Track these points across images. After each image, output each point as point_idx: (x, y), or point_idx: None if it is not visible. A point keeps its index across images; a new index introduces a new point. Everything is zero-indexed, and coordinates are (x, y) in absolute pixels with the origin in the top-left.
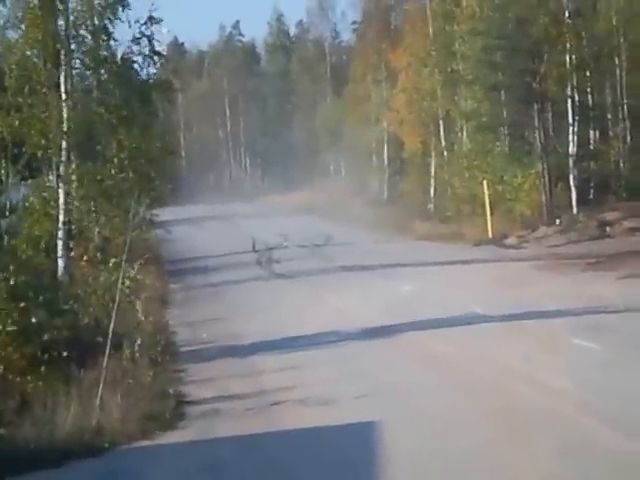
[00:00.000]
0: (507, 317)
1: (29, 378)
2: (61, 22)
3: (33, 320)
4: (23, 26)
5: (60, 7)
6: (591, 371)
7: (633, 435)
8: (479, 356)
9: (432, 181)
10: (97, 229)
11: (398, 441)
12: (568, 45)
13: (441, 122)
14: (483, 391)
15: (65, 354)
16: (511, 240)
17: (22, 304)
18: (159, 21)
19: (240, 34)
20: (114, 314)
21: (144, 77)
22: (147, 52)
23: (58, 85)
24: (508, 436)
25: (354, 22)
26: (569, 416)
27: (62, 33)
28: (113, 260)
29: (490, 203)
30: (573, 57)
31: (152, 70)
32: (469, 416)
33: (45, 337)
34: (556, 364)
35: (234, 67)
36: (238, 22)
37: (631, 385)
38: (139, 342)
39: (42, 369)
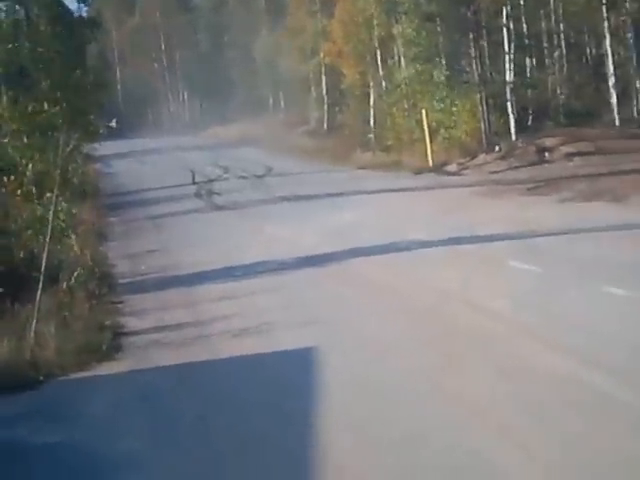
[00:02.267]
0: (447, 242)
1: None
2: None
3: None
4: None
5: None
6: (529, 293)
7: (570, 356)
8: (419, 281)
9: (372, 111)
10: (30, 164)
11: (337, 366)
12: None
13: (378, 52)
14: (423, 316)
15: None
16: (451, 167)
17: None
18: None
19: None
20: (46, 247)
21: (73, 13)
22: None
23: None
24: (448, 359)
25: None
26: (508, 339)
27: None
28: (48, 194)
29: (429, 131)
30: None
31: (82, 7)
32: (408, 341)
33: None
34: (495, 287)
35: (166, 1)
36: None
37: (568, 306)
38: (75, 275)
39: None
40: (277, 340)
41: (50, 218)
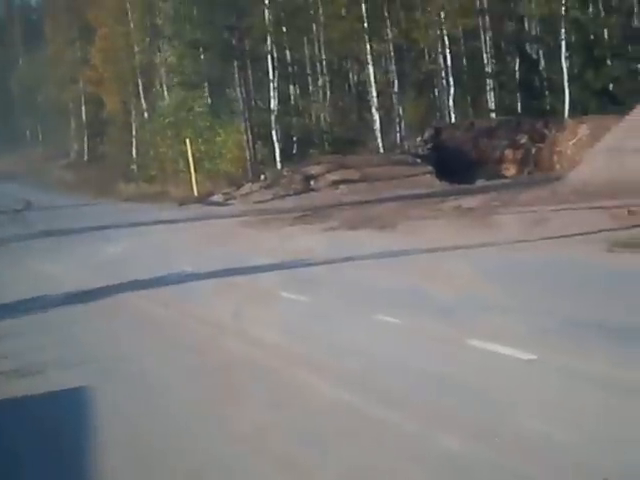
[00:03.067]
0: (216, 274)
1: None
2: None
3: None
4: None
5: None
6: (302, 324)
7: (346, 384)
8: (191, 315)
9: (134, 141)
10: None
11: (110, 405)
12: (267, 1)
13: (140, 81)
14: (196, 350)
15: None
16: (217, 198)
17: None
18: None
19: None
20: None
21: None
22: None
23: None
24: (224, 393)
25: None
26: (282, 369)
27: None
28: None
29: (194, 161)
30: (270, 14)
31: None
32: (183, 377)
33: None
34: (267, 319)
35: None
36: None
37: (341, 335)
38: None
39: None
40: (45, 381)
41: None
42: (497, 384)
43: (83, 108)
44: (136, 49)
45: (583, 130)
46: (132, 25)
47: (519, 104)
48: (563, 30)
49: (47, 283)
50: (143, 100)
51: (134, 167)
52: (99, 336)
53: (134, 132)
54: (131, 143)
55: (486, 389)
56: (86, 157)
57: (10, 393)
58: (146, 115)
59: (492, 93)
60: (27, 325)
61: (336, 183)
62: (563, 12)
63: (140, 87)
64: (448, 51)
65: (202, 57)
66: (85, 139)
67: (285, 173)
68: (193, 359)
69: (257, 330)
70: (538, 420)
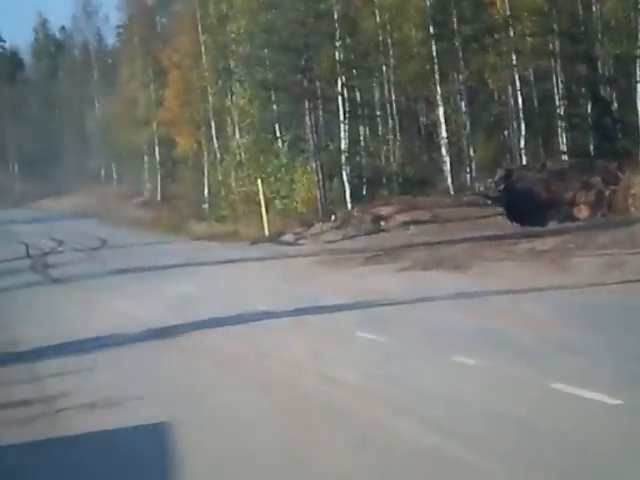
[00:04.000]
0: (291, 313)
1: None
2: None
3: None
4: None
5: None
6: (377, 363)
7: (429, 426)
8: (267, 353)
9: (206, 181)
10: None
11: (192, 441)
12: (337, 43)
13: (213, 122)
14: (275, 388)
15: None
16: (288, 237)
17: None
18: None
19: (1, 40)
20: None
21: None
22: None
23: None
24: (305, 432)
25: (118, 26)
26: (362, 409)
27: None
28: None
29: (265, 201)
30: (341, 55)
31: None
32: (263, 414)
33: None
34: (343, 358)
35: None
36: None
37: (421, 376)
38: None
39: None
40: (127, 415)
41: None
42: (585, 430)
43: (156, 148)
44: (210, 91)
45: None
46: (206, 67)
47: (591, 146)
48: (638, 72)
49: (124, 320)
50: (215, 140)
51: (206, 206)
52: (176, 372)
53: (206, 172)
54: (203, 183)
55: (575, 435)
56: (159, 196)
57: (92, 427)
58: (218, 155)
59: (564, 135)
60: (109, 360)
61: (406, 224)
62: (638, 53)
63: (213, 128)
64: (519, 92)
65: (273, 98)
66: (158, 178)
67: (355, 213)
68: (271, 397)
69: (335, 370)
70: (633, 467)
